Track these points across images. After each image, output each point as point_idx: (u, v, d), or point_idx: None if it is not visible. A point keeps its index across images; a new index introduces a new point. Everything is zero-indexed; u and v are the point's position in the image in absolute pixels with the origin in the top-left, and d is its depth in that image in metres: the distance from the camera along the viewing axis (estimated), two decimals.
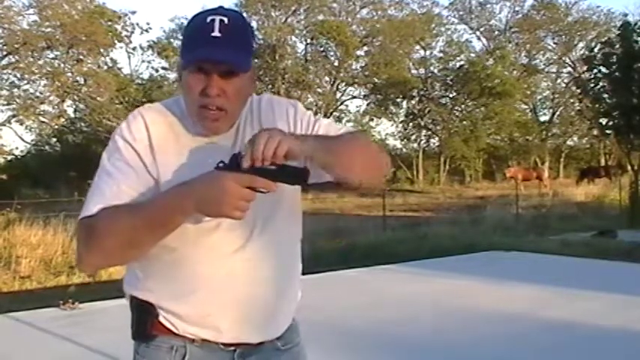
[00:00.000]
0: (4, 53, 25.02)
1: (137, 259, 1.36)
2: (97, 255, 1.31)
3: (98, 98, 26.43)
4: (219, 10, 1.32)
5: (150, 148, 1.35)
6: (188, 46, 1.32)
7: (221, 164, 1.21)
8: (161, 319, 1.42)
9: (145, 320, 1.43)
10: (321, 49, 34.35)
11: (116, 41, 27.75)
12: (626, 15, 31.53)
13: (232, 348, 1.45)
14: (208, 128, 1.35)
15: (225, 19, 1.30)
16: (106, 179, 1.33)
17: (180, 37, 1.39)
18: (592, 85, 16.41)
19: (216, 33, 1.28)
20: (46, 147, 30.07)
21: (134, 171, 1.34)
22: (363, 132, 1.59)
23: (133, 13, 28.12)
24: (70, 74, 26.65)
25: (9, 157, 27.85)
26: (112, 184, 1.32)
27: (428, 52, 37.46)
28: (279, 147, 1.17)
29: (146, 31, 28.91)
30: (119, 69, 29.12)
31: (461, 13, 39.26)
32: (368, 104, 37.22)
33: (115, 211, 1.28)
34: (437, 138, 36.27)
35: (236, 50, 1.29)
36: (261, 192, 1.20)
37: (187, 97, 1.34)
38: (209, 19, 1.30)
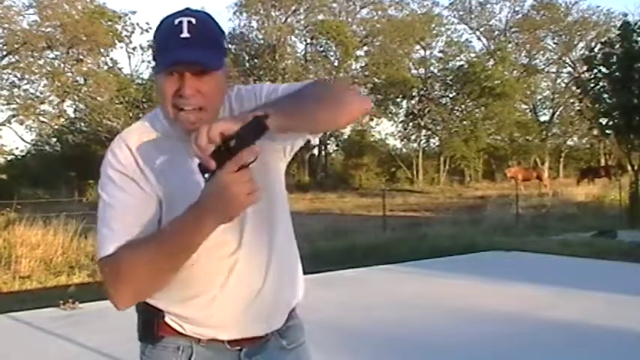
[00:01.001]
0: (4, 53, 25.04)
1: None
2: (128, 293, 1.31)
3: (98, 98, 26.45)
4: (186, 12, 1.33)
5: (139, 170, 1.36)
6: (159, 50, 1.32)
7: (206, 175, 1.20)
8: (167, 320, 1.43)
9: (152, 322, 1.44)
10: (321, 49, 34.39)
11: (116, 41, 27.78)
12: (626, 15, 31.64)
13: (238, 347, 1.46)
14: (188, 127, 1.34)
15: (193, 20, 1.30)
16: (112, 214, 1.34)
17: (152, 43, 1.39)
18: (592, 85, 16.40)
19: (185, 34, 1.28)
20: (46, 147, 30.07)
21: (133, 197, 1.34)
22: (323, 80, 1.55)
23: (133, 13, 28.29)
24: (70, 74, 26.68)
25: (9, 157, 27.89)
26: (118, 219, 1.33)
27: (428, 52, 37.56)
28: (210, 133, 1.14)
29: (146, 31, 28.91)
30: (119, 69, 29.16)
31: (461, 13, 39.32)
32: None
33: (134, 249, 1.29)
34: (437, 138, 36.28)
35: (206, 49, 1.29)
36: (253, 162, 1.18)
37: (164, 100, 1.34)
38: (177, 21, 1.30)
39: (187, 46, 1.28)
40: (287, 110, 1.26)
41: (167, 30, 1.32)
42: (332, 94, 1.39)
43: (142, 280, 1.29)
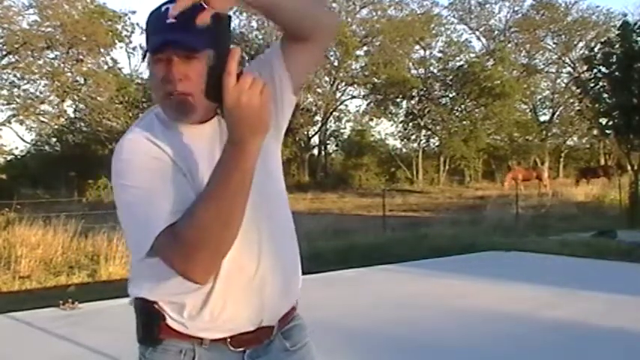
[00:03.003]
0: (4, 53, 25.04)
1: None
2: (205, 258, 1.26)
3: (98, 98, 26.45)
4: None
5: (158, 149, 1.34)
6: (148, 38, 1.35)
7: (218, 110, 1.23)
8: (169, 321, 1.39)
9: (152, 324, 1.40)
10: None
11: (116, 41, 27.77)
12: (625, 15, 31.60)
13: (241, 348, 1.44)
14: (178, 117, 1.34)
15: None
16: (146, 194, 1.29)
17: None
18: (592, 85, 16.43)
19: (170, 19, 1.28)
20: (46, 147, 30.07)
21: (161, 171, 1.31)
22: None
23: (133, 12, 28.20)
24: (70, 74, 26.67)
25: (9, 157, 27.91)
26: (157, 193, 1.29)
27: (427, 52, 37.55)
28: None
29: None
30: (119, 69, 29.13)
31: (460, 13, 39.30)
32: (368, 104, 37.26)
33: (192, 212, 1.25)
34: (437, 138, 36.26)
35: (192, 32, 1.27)
36: (241, 66, 1.21)
37: (154, 88, 1.35)
38: (164, 8, 1.32)
39: (172, 29, 1.28)
40: None
41: (154, 18, 1.34)
42: None
43: (216, 236, 1.24)
